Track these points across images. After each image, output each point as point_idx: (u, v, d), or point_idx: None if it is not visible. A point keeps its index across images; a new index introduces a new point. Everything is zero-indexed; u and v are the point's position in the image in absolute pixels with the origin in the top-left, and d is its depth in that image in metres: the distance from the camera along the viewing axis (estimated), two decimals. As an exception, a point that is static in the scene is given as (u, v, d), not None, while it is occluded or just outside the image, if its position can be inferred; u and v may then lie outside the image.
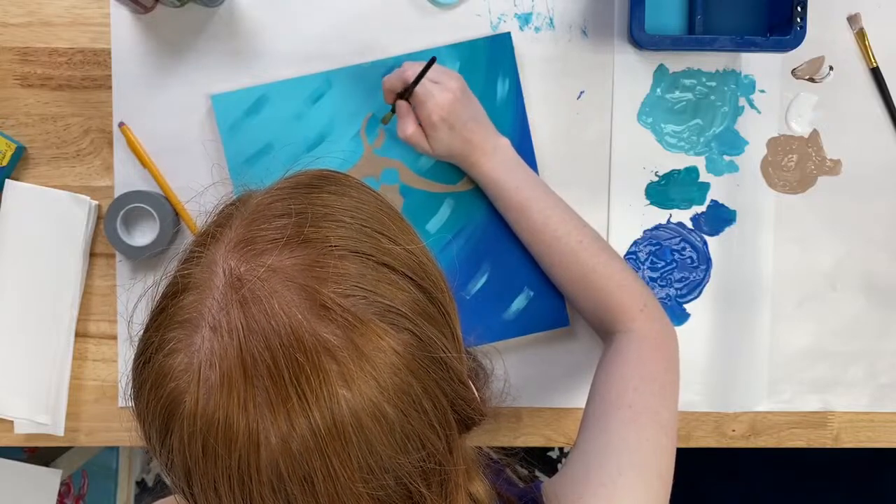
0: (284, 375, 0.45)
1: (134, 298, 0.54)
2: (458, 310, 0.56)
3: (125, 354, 0.89)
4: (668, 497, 0.68)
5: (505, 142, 0.84)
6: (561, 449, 1.38)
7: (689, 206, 0.91)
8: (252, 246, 0.49)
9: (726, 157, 0.91)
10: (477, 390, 0.56)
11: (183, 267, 0.51)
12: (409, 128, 0.82)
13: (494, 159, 0.83)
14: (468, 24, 0.89)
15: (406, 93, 0.81)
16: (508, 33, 0.89)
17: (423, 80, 0.80)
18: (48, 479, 1.18)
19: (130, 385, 0.51)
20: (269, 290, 0.47)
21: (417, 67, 0.80)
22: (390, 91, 0.83)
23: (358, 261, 0.49)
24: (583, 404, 0.75)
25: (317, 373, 0.45)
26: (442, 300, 0.53)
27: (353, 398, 0.46)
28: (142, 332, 0.51)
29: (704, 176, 0.91)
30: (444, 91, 0.80)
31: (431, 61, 0.79)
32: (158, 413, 0.48)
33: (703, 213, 0.91)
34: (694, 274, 0.91)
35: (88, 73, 0.89)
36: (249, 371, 0.45)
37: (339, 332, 0.46)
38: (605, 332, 0.82)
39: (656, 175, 0.91)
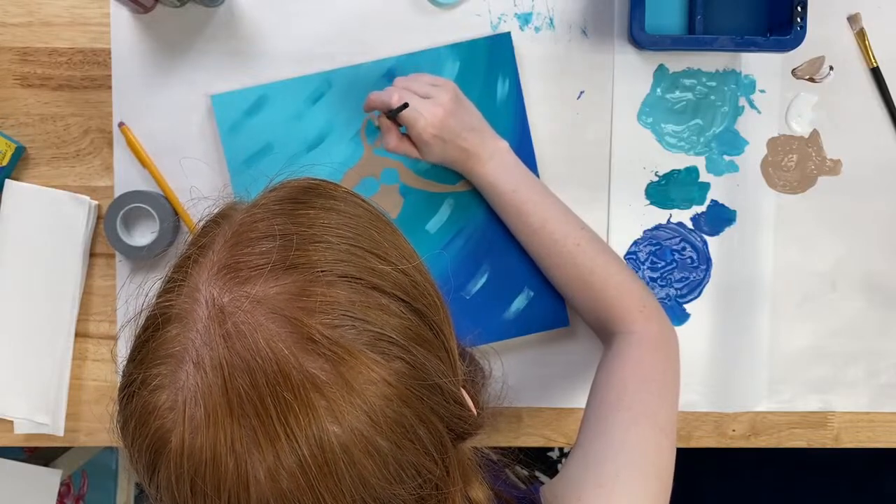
0: (272, 413, 0.44)
1: (132, 308, 0.52)
2: (455, 315, 0.54)
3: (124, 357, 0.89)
4: (668, 497, 0.68)
5: (503, 145, 0.83)
6: (561, 449, 1.38)
7: (689, 206, 0.91)
8: (235, 273, 0.47)
9: (726, 157, 0.91)
10: (473, 397, 0.55)
11: (165, 296, 0.49)
12: (391, 142, 0.81)
13: (491, 163, 0.82)
14: (468, 24, 0.89)
15: (389, 115, 0.80)
16: (508, 33, 0.89)
17: (412, 97, 0.78)
18: (48, 479, 1.18)
19: (116, 416, 0.50)
20: (253, 323, 0.45)
21: (406, 95, 0.78)
22: (370, 108, 0.82)
23: (347, 286, 0.47)
24: (583, 405, 0.75)
25: (305, 410, 0.44)
26: (436, 319, 0.51)
27: (344, 434, 0.44)
28: (125, 363, 0.50)
29: (704, 176, 0.91)
30: (434, 107, 0.79)
31: (403, 107, 0.77)
32: (145, 450, 0.47)
33: (703, 213, 0.91)
34: (694, 274, 0.91)
35: (88, 73, 0.89)
36: (235, 409, 0.44)
37: (327, 367, 0.44)
38: (604, 333, 0.82)
39: (656, 175, 0.91)
